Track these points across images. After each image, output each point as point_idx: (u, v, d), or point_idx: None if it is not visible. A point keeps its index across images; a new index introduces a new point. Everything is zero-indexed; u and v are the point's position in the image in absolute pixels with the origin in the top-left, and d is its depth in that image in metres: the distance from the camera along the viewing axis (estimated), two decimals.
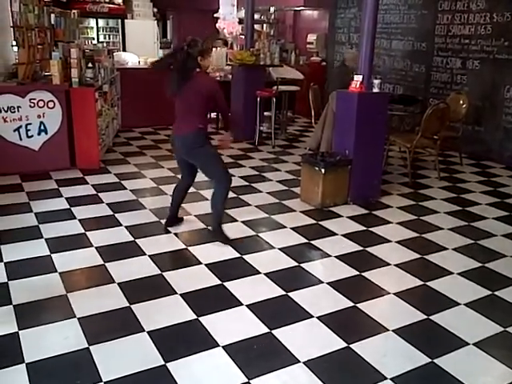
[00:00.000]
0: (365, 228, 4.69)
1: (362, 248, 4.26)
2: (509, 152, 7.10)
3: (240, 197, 5.34)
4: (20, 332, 2.94)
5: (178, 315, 3.16)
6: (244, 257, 4.01)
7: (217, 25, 12.43)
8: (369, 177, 5.36)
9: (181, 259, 4.01)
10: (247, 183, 5.87)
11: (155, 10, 14.95)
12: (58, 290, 3.42)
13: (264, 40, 8.89)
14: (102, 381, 2.57)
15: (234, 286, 3.54)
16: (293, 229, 4.60)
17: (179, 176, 5.96)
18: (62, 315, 3.12)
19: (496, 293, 3.59)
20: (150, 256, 3.96)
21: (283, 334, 3.00)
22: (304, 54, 11.48)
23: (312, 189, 5.16)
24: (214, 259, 3.94)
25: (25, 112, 5.76)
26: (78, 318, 3.09)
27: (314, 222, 4.81)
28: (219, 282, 3.60)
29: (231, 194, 5.19)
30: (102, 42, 13.64)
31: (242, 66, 7.86)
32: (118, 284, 3.52)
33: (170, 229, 4.48)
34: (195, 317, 3.15)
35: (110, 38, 14.36)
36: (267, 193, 5.57)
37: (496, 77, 7.14)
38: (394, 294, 3.53)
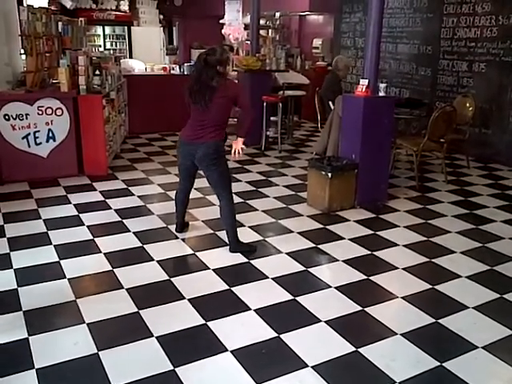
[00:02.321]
0: (372, 232, 4.69)
1: (369, 252, 4.26)
2: None
3: (247, 202, 5.36)
4: (30, 338, 2.96)
5: (186, 320, 3.17)
6: (251, 262, 4.02)
7: (222, 31, 12.49)
8: (376, 181, 5.35)
9: (189, 264, 4.02)
10: (254, 188, 5.88)
11: (161, 16, 15.06)
12: (67, 295, 3.44)
13: (269, 45, 8.95)
14: None
15: (242, 291, 3.55)
16: (300, 233, 4.61)
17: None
18: (71, 321, 3.14)
19: (505, 296, 3.58)
20: (158, 261, 3.98)
21: (291, 339, 3.01)
22: (310, 58, 11.51)
23: (319, 193, 5.17)
24: (222, 264, 3.96)
25: (33, 119, 5.81)
26: (88, 324, 3.11)
27: (321, 226, 4.81)
28: (227, 287, 3.61)
29: (238, 199, 5.22)
30: (109, 50, 13.77)
31: (248, 71, 7.89)
32: (127, 289, 3.54)
33: (177, 234, 4.51)
34: (203, 322, 3.16)
35: (116, 45, 14.49)
36: (274, 198, 5.57)
37: (503, 79, 7.12)
38: (402, 297, 3.53)
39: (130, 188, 5.79)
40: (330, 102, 6.70)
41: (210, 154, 3.98)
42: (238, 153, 4.11)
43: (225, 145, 4.09)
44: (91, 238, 4.42)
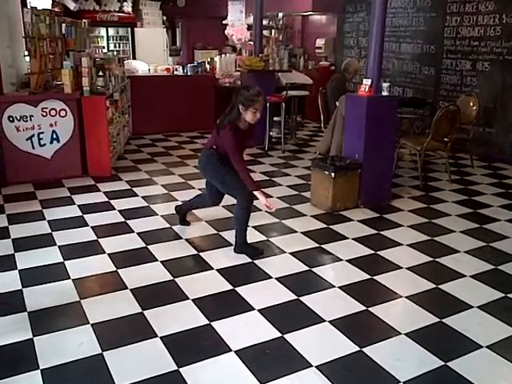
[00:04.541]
0: (376, 231, 4.69)
1: (373, 252, 4.26)
2: None
3: None
4: (35, 338, 2.97)
5: (190, 320, 3.18)
6: (255, 262, 4.02)
7: (225, 31, 12.50)
8: (379, 180, 5.35)
9: (192, 265, 4.03)
10: None
11: (164, 17, 15.08)
12: (72, 296, 3.45)
13: (273, 45, 8.93)
14: None
15: (246, 291, 3.55)
16: (304, 233, 4.61)
17: (190, 182, 6.04)
18: (75, 321, 3.15)
19: (509, 295, 3.57)
20: (161, 262, 3.99)
21: (295, 339, 3.01)
22: (313, 58, 11.51)
23: (322, 193, 5.17)
24: (226, 264, 3.96)
25: (37, 121, 5.83)
26: (92, 324, 3.12)
27: (325, 226, 4.81)
28: (231, 287, 3.61)
29: None
30: (113, 51, 13.80)
31: (251, 71, 7.90)
32: (131, 290, 3.54)
33: (181, 234, 4.51)
34: (207, 322, 3.17)
35: (120, 47, 14.52)
36: (278, 197, 5.57)
37: (506, 78, 7.10)
38: (406, 297, 3.52)
39: (133, 189, 5.80)
40: (337, 102, 6.71)
41: (201, 161, 4.16)
42: (270, 208, 3.97)
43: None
44: (95, 238, 4.43)
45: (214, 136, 4.07)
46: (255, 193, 3.91)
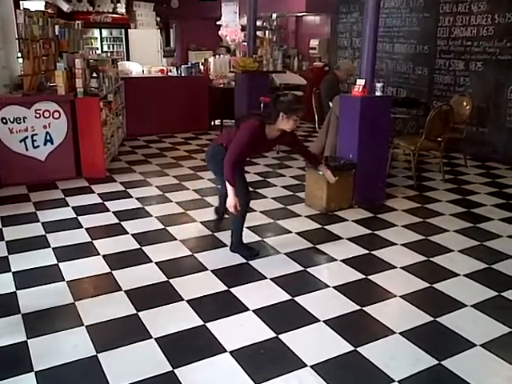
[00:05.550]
0: (370, 231, 4.70)
1: (367, 251, 4.27)
2: None
3: None
4: (29, 341, 2.96)
5: (185, 321, 3.18)
6: (250, 262, 4.02)
7: (219, 32, 12.51)
8: (373, 180, 5.36)
9: (187, 266, 4.02)
10: (252, 189, 5.87)
11: (158, 18, 15.07)
12: (66, 298, 3.44)
13: (266, 46, 8.94)
14: None
15: (241, 292, 3.55)
16: (298, 233, 4.62)
17: (184, 183, 6.04)
18: (70, 323, 3.14)
19: (503, 294, 3.58)
20: (156, 263, 3.98)
21: (290, 339, 3.01)
22: (307, 59, 11.53)
23: (317, 193, 5.18)
24: (220, 265, 3.96)
25: (31, 123, 5.81)
26: (86, 326, 3.11)
27: (320, 226, 4.81)
28: (225, 288, 3.61)
29: None
30: (106, 52, 13.78)
31: (245, 72, 7.91)
32: (125, 291, 3.54)
33: (175, 236, 4.50)
34: (202, 323, 3.17)
35: (113, 48, 14.50)
36: (272, 198, 5.58)
37: (499, 78, 7.14)
38: (401, 296, 3.53)
39: (128, 190, 5.79)
40: (330, 102, 6.72)
41: (207, 155, 4.15)
42: (231, 208, 3.78)
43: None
44: (89, 240, 4.42)
45: (229, 133, 3.99)
46: (228, 187, 3.73)
